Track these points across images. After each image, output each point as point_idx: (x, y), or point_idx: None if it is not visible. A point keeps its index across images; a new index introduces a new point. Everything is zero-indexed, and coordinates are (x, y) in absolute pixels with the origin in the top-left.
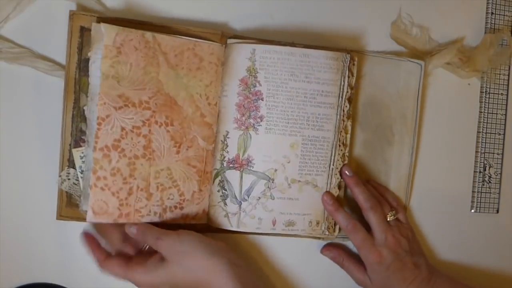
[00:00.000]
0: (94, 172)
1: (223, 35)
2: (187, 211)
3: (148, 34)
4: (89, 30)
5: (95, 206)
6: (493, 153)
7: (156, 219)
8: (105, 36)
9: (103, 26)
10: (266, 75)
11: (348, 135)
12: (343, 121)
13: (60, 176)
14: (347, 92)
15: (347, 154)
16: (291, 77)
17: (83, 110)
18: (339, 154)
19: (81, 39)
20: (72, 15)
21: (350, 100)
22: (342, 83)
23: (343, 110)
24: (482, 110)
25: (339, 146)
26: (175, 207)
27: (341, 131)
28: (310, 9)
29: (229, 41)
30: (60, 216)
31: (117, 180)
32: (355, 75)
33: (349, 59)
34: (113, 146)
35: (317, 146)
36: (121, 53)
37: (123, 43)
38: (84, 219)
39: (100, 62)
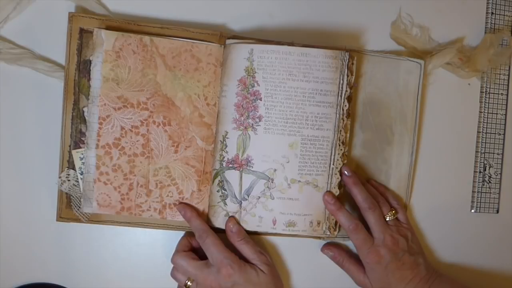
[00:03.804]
0: (97, 168)
1: (222, 36)
2: None
3: (146, 38)
4: (89, 31)
5: (99, 199)
6: (493, 153)
7: (156, 215)
8: (105, 41)
9: (103, 32)
10: (264, 75)
11: (348, 134)
12: (343, 120)
13: (60, 177)
14: (347, 91)
15: (346, 153)
16: (289, 77)
17: (83, 112)
18: (339, 153)
19: (80, 40)
20: (71, 17)
21: (349, 99)
22: (341, 81)
23: (343, 109)
24: (482, 110)
25: (339, 145)
26: (175, 204)
27: (340, 130)
28: (309, 8)
29: (228, 41)
30: (60, 217)
31: (118, 176)
32: (354, 74)
33: (348, 57)
34: (114, 144)
35: (316, 145)
36: (120, 57)
37: (122, 47)
38: (82, 221)
39: (101, 65)
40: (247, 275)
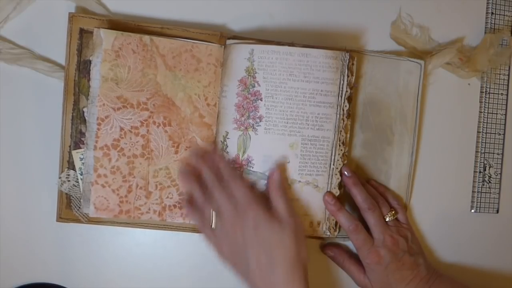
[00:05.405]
0: (95, 170)
1: (222, 36)
2: None
3: (146, 38)
4: (89, 32)
5: (96, 202)
6: (493, 153)
7: (155, 217)
8: (104, 40)
9: (102, 31)
10: (264, 75)
11: (348, 135)
12: (343, 120)
13: (60, 177)
14: (347, 91)
15: (347, 153)
16: (290, 77)
17: (83, 112)
18: (339, 154)
19: (80, 41)
20: (71, 17)
21: (349, 99)
22: (342, 82)
23: (343, 110)
24: (482, 110)
25: (339, 145)
26: (174, 206)
27: (341, 131)
28: (310, 8)
29: (228, 41)
30: (60, 218)
31: (117, 178)
32: (354, 74)
33: (348, 58)
34: (112, 145)
35: (317, 146)
36: (119, 56)
37: (121, 47)
38: (82, 222)
39: (100, 65)
40: (271, 223)
